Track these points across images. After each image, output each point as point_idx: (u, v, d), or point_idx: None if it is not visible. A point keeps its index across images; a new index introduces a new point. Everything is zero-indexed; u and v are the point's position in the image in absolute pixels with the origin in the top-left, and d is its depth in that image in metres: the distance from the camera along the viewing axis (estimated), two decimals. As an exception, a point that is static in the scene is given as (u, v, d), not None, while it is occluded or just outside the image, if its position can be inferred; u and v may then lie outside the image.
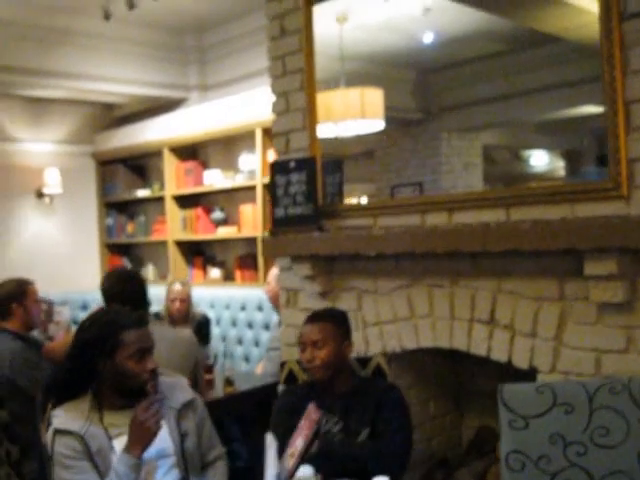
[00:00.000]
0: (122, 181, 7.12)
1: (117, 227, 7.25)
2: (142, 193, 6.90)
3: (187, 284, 5.44)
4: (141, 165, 7.12)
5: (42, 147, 6.97)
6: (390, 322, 3.63)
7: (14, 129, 6.82)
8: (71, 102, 7.03)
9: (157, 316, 5.27)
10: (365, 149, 4.41)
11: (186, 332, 4.08)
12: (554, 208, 2.98)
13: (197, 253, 6.60)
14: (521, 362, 3.11)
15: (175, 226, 6.54)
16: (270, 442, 1.75)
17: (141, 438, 2.36)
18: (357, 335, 3.70)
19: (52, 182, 6.80)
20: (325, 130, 3.93)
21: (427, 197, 3.64)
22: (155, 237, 6.82)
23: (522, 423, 2.41)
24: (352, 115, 4.21)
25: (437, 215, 3.41)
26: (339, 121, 4.21)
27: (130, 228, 7.11)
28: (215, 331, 5.78)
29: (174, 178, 6.50)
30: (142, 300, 3.70)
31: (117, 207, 7.30)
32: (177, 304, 5.18)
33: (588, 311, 2.89)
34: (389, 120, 4.13)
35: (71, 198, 7.09)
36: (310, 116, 3.88)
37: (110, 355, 2.43)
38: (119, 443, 2.40)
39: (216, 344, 5.62)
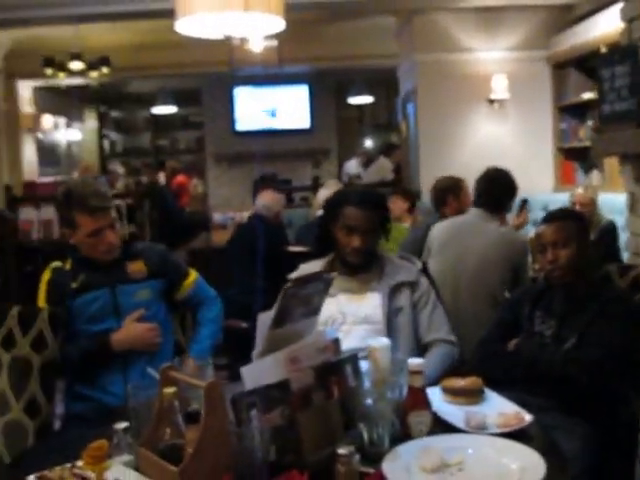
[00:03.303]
0: (573, 84, 6.94)
1: (570, 131, 7.13)
2: (588, 95, 6.64)
3: (591, 189, 5.24)
4: (590, 66, 6.81)
5: (492, 55, 7.21)
6: None
7: (467, 39, 7.20)
8: (525, 8, 7.08)
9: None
10: None
11: (516, 236, 4.00)
12: None
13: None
14: None
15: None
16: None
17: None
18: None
19: (499, 88, 7.02)
20: None
21: None
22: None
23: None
24: None
25: None
26: None
27: (581, 132, 6.93)
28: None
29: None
30: (500, 202, 3.86)
31: (570, 111, 7.15)
32: (577, 207, 5.06)
33: None
34: None
35: (521, 103, 7.21)
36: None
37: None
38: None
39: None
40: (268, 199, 5.41)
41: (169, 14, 3.34)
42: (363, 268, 2.82)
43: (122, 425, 1.85)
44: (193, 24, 3.37)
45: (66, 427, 2.63)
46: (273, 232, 5.15)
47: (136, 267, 2.83)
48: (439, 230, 3.96)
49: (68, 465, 1.78)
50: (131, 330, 2.71)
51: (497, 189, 3.86)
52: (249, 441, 1.60)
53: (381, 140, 12.71)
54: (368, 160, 10.48)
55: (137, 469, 1.76)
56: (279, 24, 3.35)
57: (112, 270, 2.79)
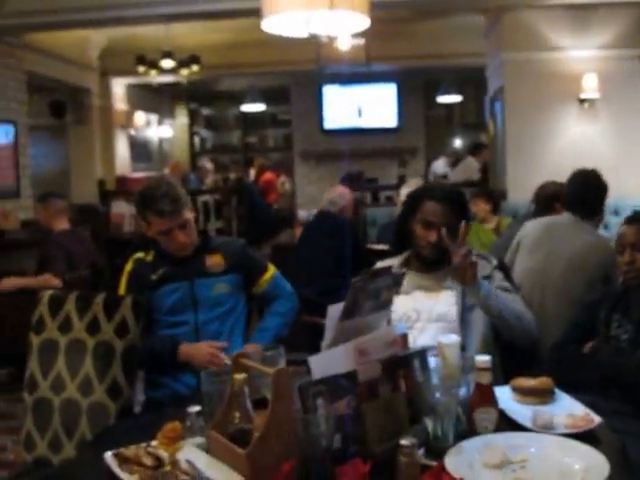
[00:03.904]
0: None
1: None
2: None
3: None
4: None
5: (583, 53, 7.07)
6: None
7: (556, 37, 7.07)
8: (618, 5, 6.90)
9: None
10: None
11: (609, 243, 3.74)
12: None
13: None
14: None
15: None
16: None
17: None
18: None
19: (590, 87, 6.88)
20: None
21: None
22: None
23: None
24: None
25: None
26: None
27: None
28: None
29: None
30: (591, 206, 3.76)
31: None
32: (667, 212, 4.92)
33: None
34: None
35: (613, 103, 7.06)
36: None
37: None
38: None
39: None
40: (334, 194, 5.38)
41: (257, 13, 3.41)
42: (437, 264, 2.82)
43: (195, 409, 1.92)
44: (279, 23, 3.43)
45: (145, 411, 2.74)
46: (337, 228, 5.11)
47: (214, 261, 2.90)
48: (532, 227, 3.90)
49: (143, 444, 1.86)
50: (198, 349, 2.76)
51: (587, 193, 3.77)
52: (314, 429, 1.64)
53: (470, 140, 12.57)
54: (456, 160, 10.40)
55: (208, 451, 1.83)
56: (364, 22, 3.37)
57: (191, 264, 2.87)
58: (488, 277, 2.80)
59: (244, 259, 3.00)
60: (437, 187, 2.96)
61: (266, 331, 2.98)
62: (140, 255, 2.95)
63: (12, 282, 5.10)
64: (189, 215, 2.86)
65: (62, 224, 5.41)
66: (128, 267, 2.93)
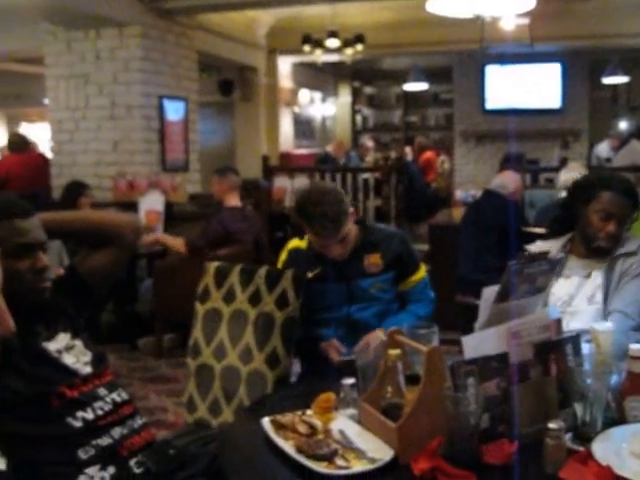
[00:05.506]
0: None
1: None
2: None
3: None
4: None
5: None
6: None
7: None
8: None
9: None
10: None
11: None
12: None
13: None
14: None
15: None
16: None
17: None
18: None
19: None
20: None
21: None
22: None
23: None
24: None
25: None
26: None
27: None
28: None
29: None
30: None
31: None
32: None
33: None
34: None
35: None
36: None
37: None
38: None
39: None
40: (504, 177, 5.35)
41: (422, -7, 3.43)
42: (609, 252, 2.76)
43: (349, 381, 2.01)
44: (443, 3, 3.44)
45: (300, 381, 2.86)
46: (505, 209, 5.06)
47: (372, 261, 2.86)
48: None
49: (299, 412, 1.97)
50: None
51: None
52: (464, 407, 1.69)
53: (636, 122, 12.00)
54: (621, 143, 9.95)
55: (359, 422, 1.92)
56: (529, 2, 3.33)
57: (349, 265, 2.84)
58: (632, 253, 2.70)
59: (401, 256, 2.93)
60: (613, 177, 2.85)
61: (398, 323, 2.92)
62: (295, 244, 2.97)
63: (152, 237, 5.72)
64: (349, 227, 2.77)
65: (233, 200, 5.57)
66: (283, 256, 2.96)
